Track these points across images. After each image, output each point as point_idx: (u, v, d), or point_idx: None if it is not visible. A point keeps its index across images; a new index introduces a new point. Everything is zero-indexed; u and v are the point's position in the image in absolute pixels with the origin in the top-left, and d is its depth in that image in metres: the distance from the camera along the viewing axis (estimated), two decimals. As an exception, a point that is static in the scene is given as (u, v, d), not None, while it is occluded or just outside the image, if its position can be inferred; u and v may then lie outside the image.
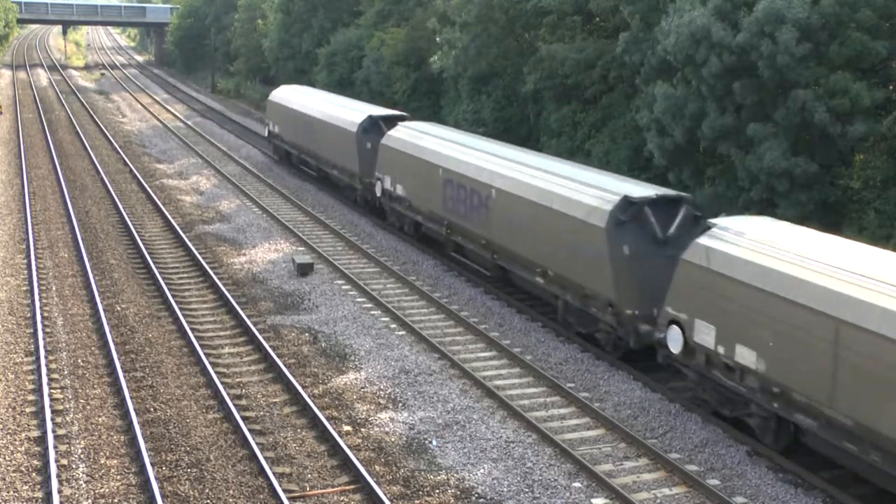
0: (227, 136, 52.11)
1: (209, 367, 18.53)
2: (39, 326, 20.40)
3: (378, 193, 29.71)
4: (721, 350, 15.64)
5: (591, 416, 17.06)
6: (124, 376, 17.99)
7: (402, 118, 31.84)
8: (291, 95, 41.51)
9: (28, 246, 27.09)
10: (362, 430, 16.37)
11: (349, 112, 34.00)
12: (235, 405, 16.89)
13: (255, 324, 21.38)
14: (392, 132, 29.21)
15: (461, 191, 24.37)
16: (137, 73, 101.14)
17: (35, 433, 15.80)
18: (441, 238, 26.39)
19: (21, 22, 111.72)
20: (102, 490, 14.06)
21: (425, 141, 27.14)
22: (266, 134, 44.32)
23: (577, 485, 14.54)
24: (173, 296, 23.01)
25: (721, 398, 16.35)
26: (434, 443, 15.83)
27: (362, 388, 18.14)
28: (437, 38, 36.88)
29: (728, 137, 23.36)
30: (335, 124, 33.86)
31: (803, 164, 21.59)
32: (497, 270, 23.63)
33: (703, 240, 16.35)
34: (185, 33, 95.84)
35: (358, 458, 15.00)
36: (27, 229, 28.95)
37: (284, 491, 14.04)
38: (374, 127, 31.66)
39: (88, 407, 16.91)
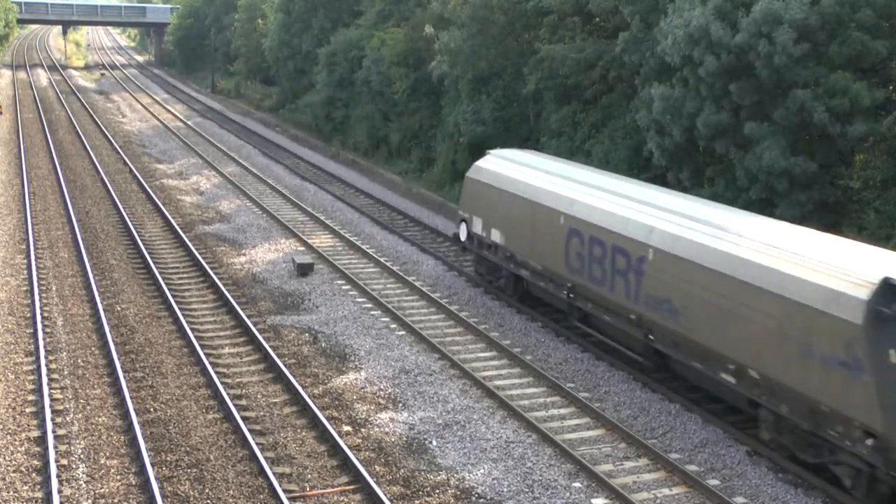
0: (227, 137, 52.15)
1: (209, 367, 18.54)
2: (39, 326, 20.40)
3: None
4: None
5: (591, 416, 17.06)
6: (124, 376, 18.00)
7: None
8: (540, 180, 21.63)
9: (28, 246, 27.09)
10: (362, 430, 16.37)
11: (789, 259, 14.72)
12: (235, 405, 16.90)
13: (255, 324, 21.39)
14: None
15: None
16: (137, 73, 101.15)
17: (35, 433, 15.80)
18: None
19: (21, 22, 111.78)
20: (102, 490, 14.06)
21: None
22: (460, 234, 24.93)
23: (577, 485, 14.54)
24: (173, 296, 23.01)
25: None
26: (434, 443, 15.84)
27: (362, 388, 18.15)
28: (436, 45, 36.78)
29: (724, 135, 23.34)
30: (762, 287, 14.79)
31: (803, 164, 21.56)
32: None
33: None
34: (185, 33, 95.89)
35: (358, 459, 15.01)
36: (27, 229, 28.94)
37: (284, 491, 14.04)
38: None
39: (88, 407, 16.92)
